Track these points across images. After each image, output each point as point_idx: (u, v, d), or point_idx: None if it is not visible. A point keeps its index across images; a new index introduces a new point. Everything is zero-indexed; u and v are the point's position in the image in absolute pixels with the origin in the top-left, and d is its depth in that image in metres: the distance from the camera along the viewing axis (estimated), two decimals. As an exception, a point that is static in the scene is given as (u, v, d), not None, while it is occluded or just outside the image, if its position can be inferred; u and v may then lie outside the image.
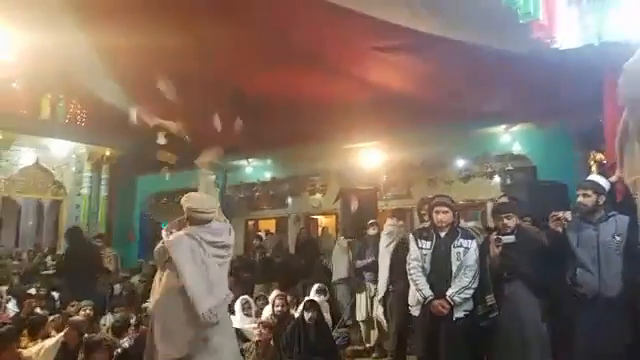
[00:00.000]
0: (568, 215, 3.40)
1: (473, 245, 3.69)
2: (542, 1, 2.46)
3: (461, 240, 3.69)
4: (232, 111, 7.65)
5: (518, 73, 5.03)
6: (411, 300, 3.84)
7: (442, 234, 3.76)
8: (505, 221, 3.76)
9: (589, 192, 3.37)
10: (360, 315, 5.82)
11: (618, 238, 3.28)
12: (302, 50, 5.98)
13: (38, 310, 5.82)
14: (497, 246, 3.70)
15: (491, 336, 3.73)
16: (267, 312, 5.49)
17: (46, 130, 8.97)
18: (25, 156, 9.00)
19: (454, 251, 3.66)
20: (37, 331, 4.68)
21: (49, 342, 4.15)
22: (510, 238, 3.70)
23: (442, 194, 4.02)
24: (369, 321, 5.71)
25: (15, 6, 5.64)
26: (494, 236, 3.78)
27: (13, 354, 3.78)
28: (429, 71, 5.77)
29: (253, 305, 5.75)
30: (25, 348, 4.23)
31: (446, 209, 3.74)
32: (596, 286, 3.26)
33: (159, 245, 3.16)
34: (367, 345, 5.84)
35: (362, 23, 4.96)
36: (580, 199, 3.38)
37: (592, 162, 6.54)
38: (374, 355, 5.61)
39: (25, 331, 4.68)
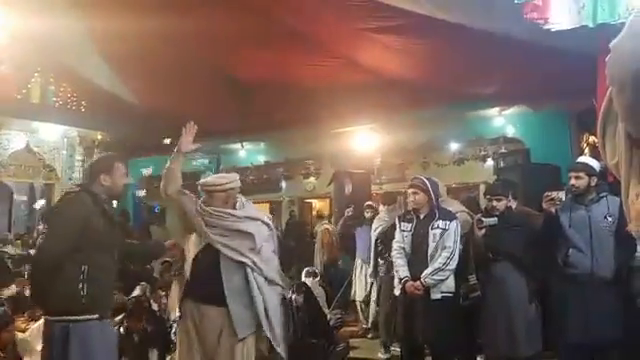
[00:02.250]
0: (562, 195, 3.41)
1: (452, 226, 3.68)
2: (537, -19, 2.44)
3: (439, 221, 3.70)
4: (225, 94, 7.60)
5: (512, 55, 5.01)
6: (395, 281, 3.89)
7: (421, 216, 3.79)
8: (494, 203, 3.80)
9: (581, 174, 3.39)
10: (359, 295, 5.90)
11: (610, 219, 3.31)
12: (296, 33, 5.92)
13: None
14: (479, 228, 3.74)
15: (478, 316, 3.79)
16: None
17: (36, 114, 8.84)
18: (15, 140, 8.89)
19: (431, 232, 3.69)
20: (34, 312, 4.68)
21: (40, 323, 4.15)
22: (492, 220, 3.74)
23: (417, 176, 4.02)
24: (367, 301, 5.79)
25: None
26: (477, 217, 3.83)
27: (9, 336, 3.79)
28: (423, 53, 5.73)
29: None
30: (24, 331, 4.24)
31: (416, 190, 3.77)
32: (589, 266, 3.29)
33: None
34: (364, 326, 5.91)
35: (355, 4, 4.91)
36: (572, 181, 3.40)
37: (585, 144, 6.57)
38: (369, 335, 5.69)
39: (25, 314, 4.69)
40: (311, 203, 11.55)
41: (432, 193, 3.74)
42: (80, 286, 2.68)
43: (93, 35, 6.91)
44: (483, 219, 3.77)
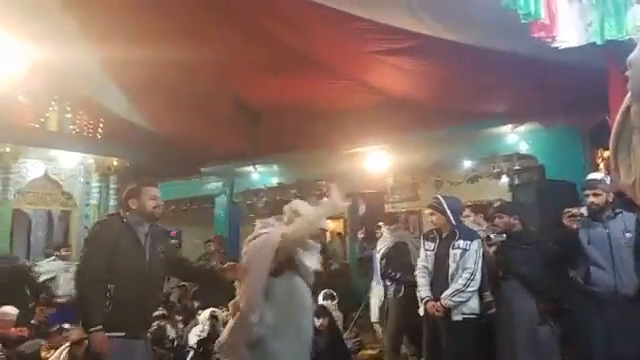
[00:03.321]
0: (584, 210, 3.35)
1: (473, 246, 3.64)
2: (543, 0, 2.46)
3: (459, 241, 3.67)
4: (237, 118, 7.69)
5: (521, 73, 5.01)
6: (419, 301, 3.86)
7: (444, 235, 3.76)
8: (496, 220, 3.79)
9: (598, 191, 3.37)
10: (374, 316, 5.84)
11: (628, 235, 3.27)
12: (306, 57, 6.00)
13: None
14: (489, 245, 3.72)
15: (493, 334, 3.75)
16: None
17: (54, 142, 9.03)
18: (34, 168, 9.05)
19: (452, 252, 3.66)
20: (54, 340, 4.73)
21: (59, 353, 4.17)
22: (501, 237, 3.71)
23: (436, 196, 4.03)
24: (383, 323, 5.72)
25: (22, 20, 5.71)
26: (486, 234, 3.82)
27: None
28: (433, 74, 5.76)
29: None
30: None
31: (433, 211, 3.76)
32: (612, 284, 3.22)
33: None
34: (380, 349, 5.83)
35: (364, 28, 4.97)
36: (591, 199, 3.36)
37: (600, 160, 6.50)
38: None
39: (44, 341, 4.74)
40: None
41: (450, 213, 3.72)
42: (107, 303, 2.81)
43: (108, 64, 7.08)
44: (492, 236, 3.75)
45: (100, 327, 2.77)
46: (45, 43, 5.84)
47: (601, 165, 6.30)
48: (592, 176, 3.72)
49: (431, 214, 3.76)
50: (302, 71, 6.33)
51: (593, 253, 3.31)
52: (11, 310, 5.07)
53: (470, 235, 3.73)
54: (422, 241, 3.91)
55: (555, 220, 4.41)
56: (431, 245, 3.81)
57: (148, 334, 3.20)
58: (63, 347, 4.14)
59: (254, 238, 2.98)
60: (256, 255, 2.89)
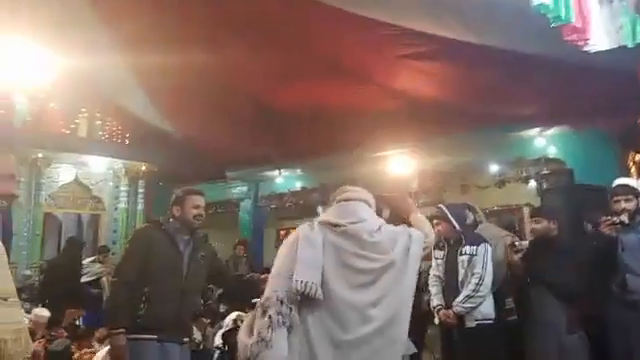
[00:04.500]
0: (624, 218, 3.26)
1: (481, 250, 3.61)
2: (574, 3, 2.42)
3: (466, 247, 3.65)
4: (262, 123, 7.76)
5: (551, 76, 4.94)
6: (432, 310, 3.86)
7: (451, 242, 3.76)
8: (533, 225, 3.73)
9: (630, 196, 3.29)
10: None
11: (661, 241, 3.18)
12: (329, 62, 6.03)
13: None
14: (515, 252, 3.66)
15: (516, 340, 3.69)
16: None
17: (84, 148, 9.28)
18: (65, 173, 9.32)
19: (460, 259, 3.65)
20: (83, 342, 4.85)
21: (101, 354, 4.23)
22: (525, 244, 3.66)
23: (439, 205, 4.02)
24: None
25: (54, 30, 5.89)
26: (510, 241, 3.76)
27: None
28: (459, 76, 5.73)
29: None
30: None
31: (438, 221, 3.75)
32: None
33: None
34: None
35: (387, 32, 4.98)
36: (624, 205, 3.28)
37: (631, 163, 6.34)
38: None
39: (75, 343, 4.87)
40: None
41: (454, 220, 3.71)
42: (141, 306, 2.88)
43: (136, 71, 7.24)
44: (516, 243, 3.71)
45: (122, 330, 2.84)
46: (75, 52, 6.01)
47: (632, 169, 6.15)
48: (623, 181, 3.63)
49: (437, 224, 3.74)
50: (326, 76, 6.36)
51: (628, 260, 3.22)
52: (45, 312, 5.23)
53: (476, 240, 3.70)
54: (432, 250, 3.89)
55: (585, 225, 4.33)
56: (440, 253, 3.82)
57: (186, 339, 3.18)
58: (105, 349, 4.22)
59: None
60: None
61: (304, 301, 2.08)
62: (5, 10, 5.39)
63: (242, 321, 5.02)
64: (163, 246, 3.05)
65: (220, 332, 5.17)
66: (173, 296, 2.99)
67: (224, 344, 4.88)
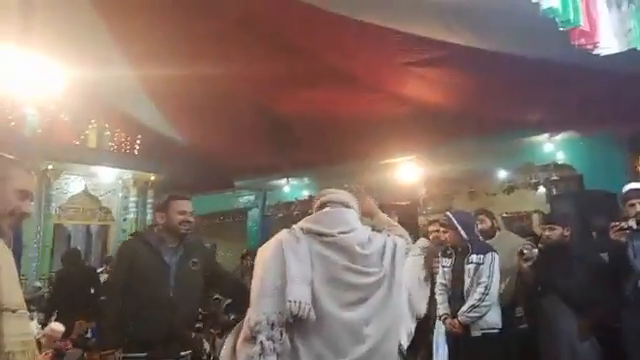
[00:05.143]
0: (632, 223, 3.23)
1: (487, 259, 3.58)
2: (583, 7, 2.41)
3: (473, 256, 3.62)
4: (269, 132, 7.78)
5: (557, 80, 4.91)
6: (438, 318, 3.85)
7: (459, 250, 3.73)
8: (547, 232, 3.68)
9: (643, 201, 3.26)
10: None
11: (674, 246, 3.13)
12: (336, 70, 6.04)
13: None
14: (525, 259, 3.63)
15: (531, 350, 3.65)
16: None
17: (93, 158, 9.36)
18: (74, 184, 9.38)
19: (466, 267, 3.63)
20: (93, 355, 4.84)
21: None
22: (534, 252, 3.63)
23: (446, 213, 3.98)
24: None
25: (64, 43, 5.96)
26: (519, 249, 3.73)
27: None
28: (465, 83, 5.71)
29: None
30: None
31: (445, 229, 3.74)
32: None
33: None
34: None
35: (394, 39, 4.98)
36: (638, 208, 3.27)
37: (640, 168, 6.29)
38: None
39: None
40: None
41: (461, 228, 3.69)
42: (130, 323, 2.78)
43: (144, 82, 7.29)
44: (525, 251, 3.67)
45: (111, 351, 2.75)
46: (84, 64, 6.08)
47: (643, 173, 6.09)
48: (636, 185, 3.60)
49: (444, 232, 3.72)
50: (334, 84, 6.37)
51: (640, 266, 3.18)
52: (60, 327, 5.23)
53: (484, 248, 3.68)
54: (440, 258, 3.88)
55: (593, 231, 4.29)
56: (448, 262, 3.81)
57: (183, 353, 3.01)
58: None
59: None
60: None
61: (294, 322, 1.88)
62: (17, 24, 5.47)
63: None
64: (145, 259, 2.90)
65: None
66: (161, 310, 2.83)
67: None
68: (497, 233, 4.25)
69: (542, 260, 3.65)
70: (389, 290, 2.03)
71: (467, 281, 3.58)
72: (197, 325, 5.42)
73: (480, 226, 4.12)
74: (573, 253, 3.62)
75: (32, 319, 4.61)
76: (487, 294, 3.50)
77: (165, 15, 5.77)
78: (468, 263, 3.62)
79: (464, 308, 3.52)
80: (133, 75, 7.11)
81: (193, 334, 4.90)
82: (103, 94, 8.11)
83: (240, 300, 5.31)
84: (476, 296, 3.51)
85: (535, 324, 3.69)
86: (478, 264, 3.57)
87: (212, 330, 5.80)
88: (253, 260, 7.54)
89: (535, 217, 7.23)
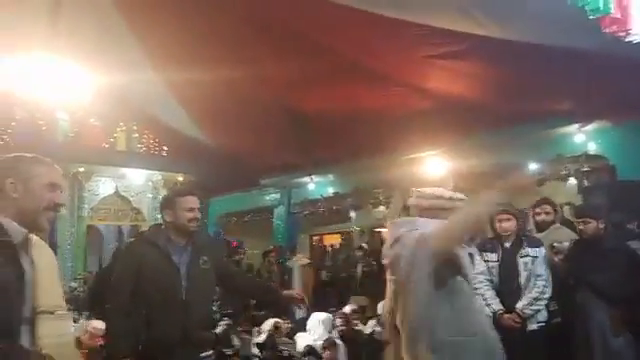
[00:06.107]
0: None
1: (541, 253, 3.52)
2: (612, -6, 2.34)
3: (527, 249, 3.53)
4: (293, 130, 7.81)
5: (586, 69, 4.78)
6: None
7: (507, 244, 3.63)
8: (581, 226, 3.59)
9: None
10: None
11: None
12: (360, 66, 6.02)
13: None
14: (555, 253, 3.55)
15: (567, 344, 3.58)
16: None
17: (123, 161, 9.57)
18: (105, 186, 9.62)
19: (521, 261, 3.52)
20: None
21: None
22: (565, 245, 3.54)
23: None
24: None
25: (92, 49, 6.11)
26: (549, 244, 3.65)
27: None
28: (490, 74, 5.61)
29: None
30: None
31: (509, 217, 3.61)
32: None
33: None
34: None
35: (416, 32, 4.93)
36: None
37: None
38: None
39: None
40: (381, 232, 11.39)
41: (521, 220, 3.64)
42: (142, 331, 2.63)
43: (171, 85, 7.41)
44: (555, 245, 3.60)
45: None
46: (110, 69, 6.22)
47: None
48: None
49: (507, 219, 3.59)
50: (356, 80, 6.35)
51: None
52: (102, 324, 5.31)
53: (536, 242, 3.63)
54: (478, 252, 3.76)
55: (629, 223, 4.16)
56: (493, 256, 3.63)
57: (204, 354, 2.94)
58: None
59: (396, 242, 2.40)
60: (411, 262, 2.29)
61: None
62: (45, 32, 5.62)
63: (279, 328, 5.03)
64: (154, 261, 2.71)
65: (257, 339, 5.18)
66: (175, 314, 2.66)
67: (261, 351, 4.87)
68: (551, 227, 4.01)
69: (574, 253, 3.57)
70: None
71: (524, 275, 3.49)
72: (226, 322, 5.46)
73: (541, 217, 3.99)
74: (607, 246, 3.52)
75: (76, 322, 4.71)
76: (547, 287, 3.46)
77: (190, 20, 5.85)
78: (523, 257, 3.53)
79: (525, 302, 3.44)
80: (159, 79, 7.24)
81: (219, 330, 4.93)
82: (130, 98, 8.28)
83: (261, 300, 5.23)
84: (537, 289, 3.45)
85: (568, 318, 3.61)
86: (534, 257, 3.50)
87: (239, 328, 5.84)
88: (277, 257, 7.54)
89: (566, 209, 7.06)
